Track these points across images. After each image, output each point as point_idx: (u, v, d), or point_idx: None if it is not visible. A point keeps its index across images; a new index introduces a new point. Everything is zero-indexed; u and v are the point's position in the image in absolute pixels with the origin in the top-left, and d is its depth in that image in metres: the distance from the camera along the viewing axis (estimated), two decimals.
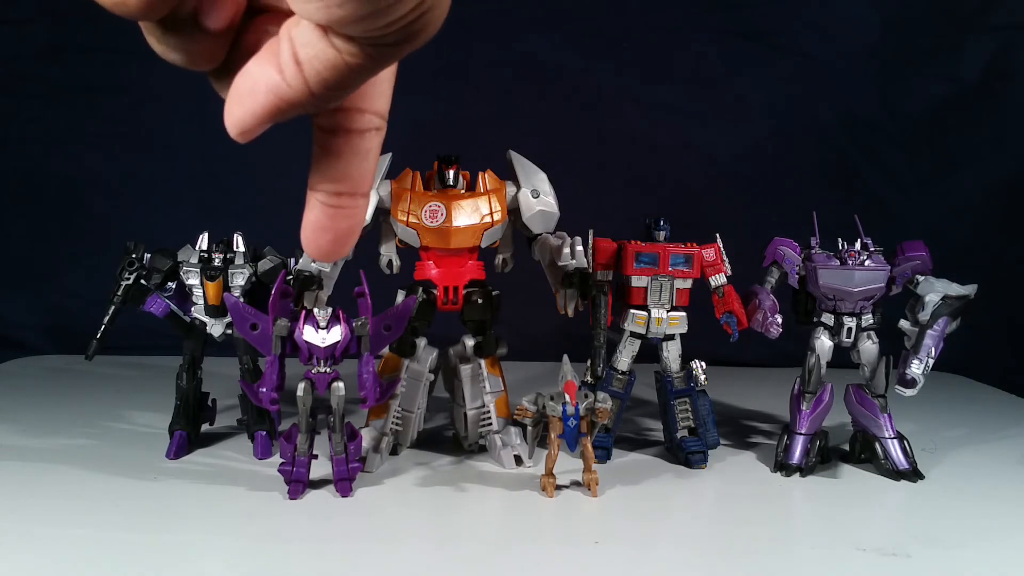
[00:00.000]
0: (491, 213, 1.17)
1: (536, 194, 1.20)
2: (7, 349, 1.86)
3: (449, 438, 1.29)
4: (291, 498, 1.02)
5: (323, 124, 0.31)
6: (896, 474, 1.14)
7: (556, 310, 1.13)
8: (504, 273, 1.26)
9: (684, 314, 1.20)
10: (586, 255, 1.14)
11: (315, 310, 1.02)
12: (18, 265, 1.89)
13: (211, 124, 1.69)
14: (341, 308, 1.04)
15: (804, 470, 1.16)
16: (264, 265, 1.20)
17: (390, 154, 1.20)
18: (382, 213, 1.19)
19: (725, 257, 1.20)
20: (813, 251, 1.20)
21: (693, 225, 1.24)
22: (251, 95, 0.30)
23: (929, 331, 1.12)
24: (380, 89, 0.31)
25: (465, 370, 1.21)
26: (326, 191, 0.32)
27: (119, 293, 1.18)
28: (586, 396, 1.04)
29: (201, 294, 1.18)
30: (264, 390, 1.02)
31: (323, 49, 0.27)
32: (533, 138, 1.34)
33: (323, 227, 0.32)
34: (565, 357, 1.07)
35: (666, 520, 1.04)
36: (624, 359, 1.21)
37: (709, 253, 1.20)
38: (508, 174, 1.22)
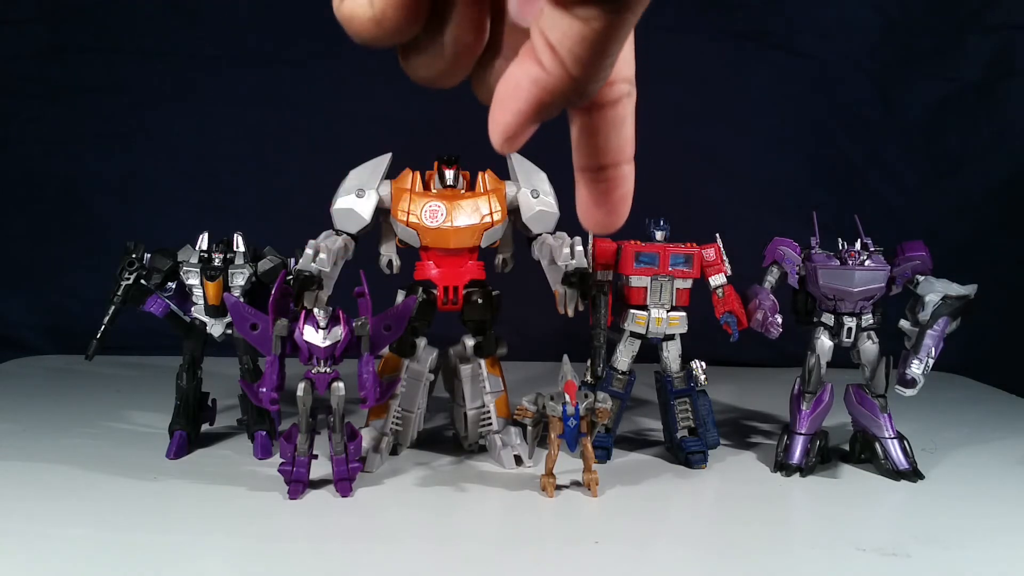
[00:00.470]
0: (491, 213, 1.17)
1: (536, 194, 1.20)
2: (7, 349, 1.86)
3: (449, 438, 1.29)
4: (291, 498, 1.02)
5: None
6: (896, 474, 1.14)
7: (556, 310, 1.13)
8: (504, 273, 1.26)
9: (684, 314, 1.20)
10: (586, 255, 1.14)
11: (315, 310, 1.02)
12: (18, 265, 1.89)
13: (211, 124, 1.71)
14: (341, 308, 1.04)
15: (804, 470, 1.16)
16: (264, 265, 1.20)
17: (390, 154, 1.20)
18: (382, 213, 1.19)
19: (725, 257, 1.20)
20: (813, 251, 1.20)
21: (693, 225, 1.23)
22: (514, 94, 0.30)
23: (929, 331, 1.12)
24: (623, 55, 0.31)
25: (465, 370, 1.21)
26: (590, 167, 0.32)
27: (119, 293, 1.18)
28: (586, 396, 1.04)
29: (201, 294, 1.18)
30: (264, 390, 1.02)
31: (568, 24, 0.27)
32: (533, 138, 1.34)
33: (595, 202, 0.33)
34: (565, 357, 1.07)
35: (666, 520, 1.04)
36: (624, 359, 1.21)
37: (709, 253, 1.20)
38: (508, 174, 1.22)
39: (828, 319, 1.19)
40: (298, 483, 1.04)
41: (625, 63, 0.31)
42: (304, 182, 1.56)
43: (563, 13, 0.27)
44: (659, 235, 1.20)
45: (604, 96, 0.31)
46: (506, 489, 1.09)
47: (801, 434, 1.17)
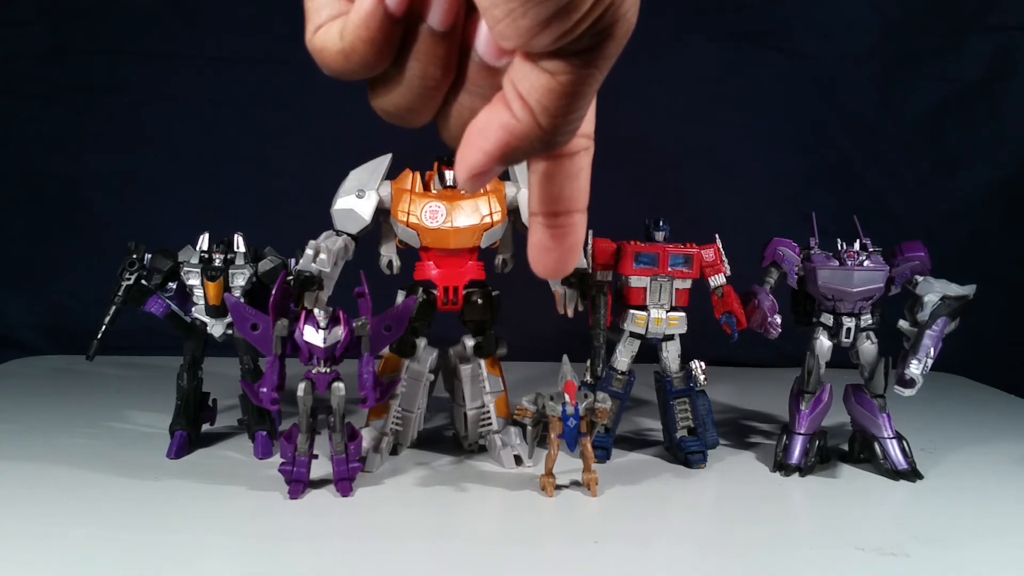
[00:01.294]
0: (491, 213, 1.17)
1: None
2: (7, 349, 1.86)
3: (449, 438, 1.30)
4: (291, 498, 1.03)
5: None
6: (895, 474, 1.15)
7: (556, 310, 1.13)
8: (504, 273, 1.26)
9: (683, 314, 1.20)
10: (586, 255, 1.14)
11: (315, 310, 1.02)
12: (18, 265, 1.89)
13: (211, 124, 1.70)
14: (341, 308, 1.05)
15: (803, 470, 1.16)
16: (264, 265, 1.20)
17: (390, 155, 1.20)
18: (382, 213, 1.19)
19: (724, 257, 1.20)
20: (812, 251, 1.20)
21: (693, 225, 1.24)
22: (482, 135, 0.31)
23: (928, 331, 1.12)
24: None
25: (465, 370, 1.22)
26: (544, 213, 0.33)
27: (120, 293, 1.18)
28: (586, 396, 1.04)
29: (202, 294, 1.18)
30: (264, 390, 1.02)
31: (536, 76, 0.28)
32: None
33: (547, 247, 0.34)
34: (565, 357, 1.07)
35: (665, 520, 1.04)
36: (623, 359, 1.21)
37: (708, 253, 1.20)
38: (508, 174, 1.23)
39: (827, 319, 1.19)
40: (298, 483, 1.04)
41: (586, 120, 0.32)
42: (304, 182, 1.57)
43: (532, 65, 0.28)
44: (659, 235, 1.20)
45: (563, 148, 0.32)
46: (506, 489, 1.09)
47: (800, 434, 1.18)
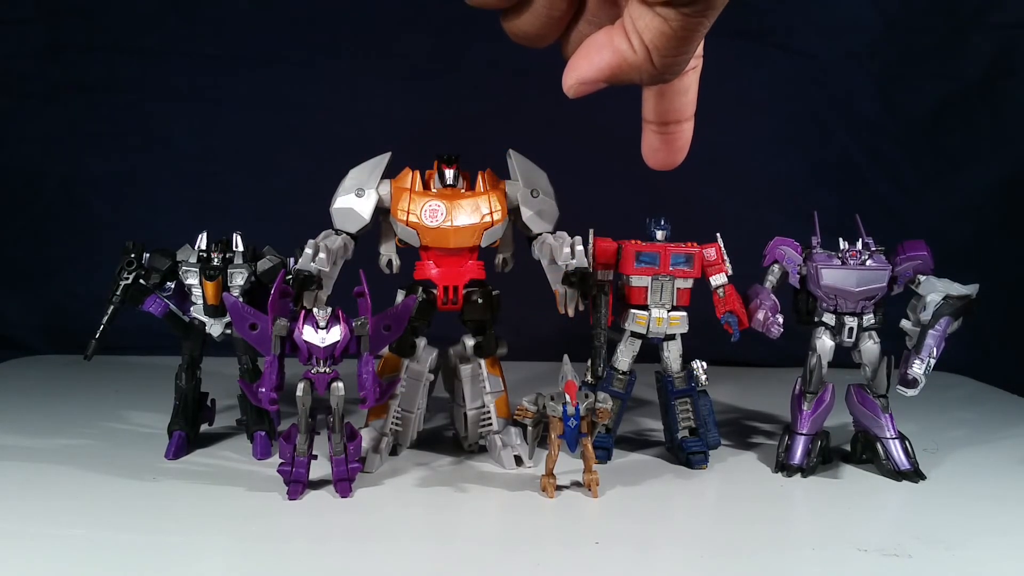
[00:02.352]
0: (491, 213, 1.17)
1: (536, 193, 1.20)
2: (6, 349, 1.85)
3: (449, 438, 1.29)
4: (290, 498, 1.02)
5: None
6: (897, 474, 1.14)
7: (556, 310, 1.13)
8: (504, 273, 1.26)
9: (685, 314, 1.19)
10: (586, 255, 1.13)
11: (314, 310, 1.01)
12: (15, 264, 1.89)
13: (210, 123, 1.70)
14: (341, 308, 1.04)
15: (805, 470, 1.15)
16: (263, 265, 1.20)
17: (389, 153, 1.20)
18: (382, 212, 1.19)
19: (726, 256, 1.19)
20: (814, 251, 1.19)
21: (694, 224, 1.23)
22: (598, 51, 0.34)
23: (931, 331, 1.12)
24: None
25: (465, 370, 1.21)
26: (656, 122, 0.38)
27: (118, 293, 1.17)
28: (586, 396, 1.04)
29: (200, 294, 1.18)
30: (263, 390, 1.02)
31: (651, 18, 0.32)
32: (533, 138, 1.34)
33: (656, 149, 0.39)
34: (565, 357, 1.06)
35: (667, 520, 1.03)
36: (624, 359, 1.20)
37: (710, 252, 1.19)
38: (508, 173, 1.22)
39: (829, 319, 1.18)
40: (297, 483, 1.03)
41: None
42: (304, 182, 1.56)
43: (648, 8, 0.31)
44: (660, 235, 1.19)
45: None
46: (506, 489, 1.09)
47: (802, 434, 1.17)
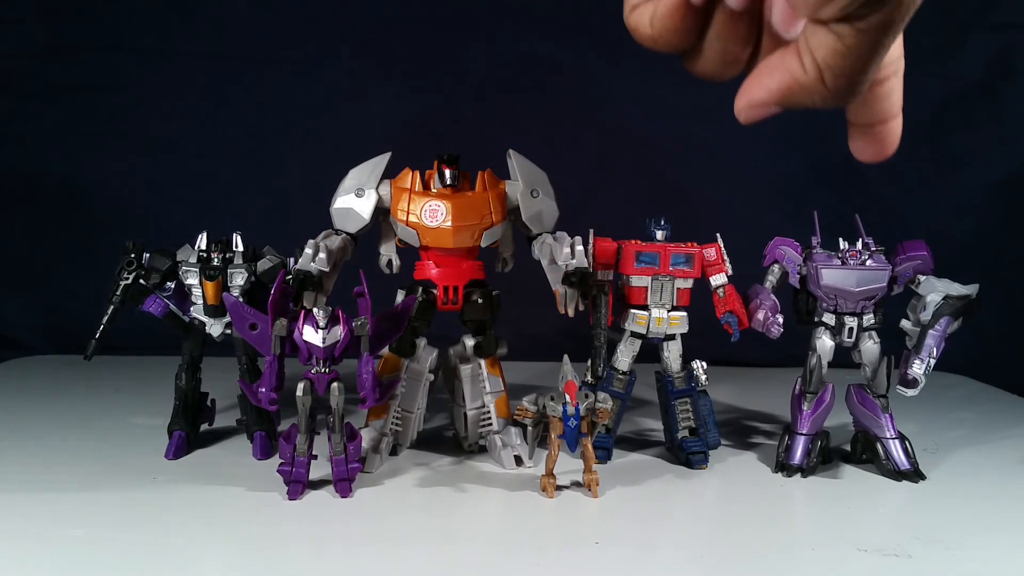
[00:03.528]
0: (491, 213, 1.17)
1: (536, 193, 1.20)
2: (5, 349, 1.85)
3: (449, 438, 1.29)
4: (290, 499, 1.02)
5: None
6: (897, 474, 1.14)
7: (556, 310, 1.13)
8: (504, 273, 1.26)
9: (685, 314, 1.19)
10: (586, 255, 1.13)
11: (314, 310, 1.01)
12: (17, 265, 1.89)
13: (210, 123, 1.69)
14: (341, 308, 1.04)
15: (805, 470, 1.15)
16: (263, 265, 1.20)
17: (389, 153, 1.20)
18: (382, 212, 1.19)
19: (726, 256, 1.19)
20: (814, 251, 1.19)
21: (693, 225, 1.23)
22: (770, 74, 0.33)
23: (931, 331, 1.12)
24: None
25: (465, 370, 1.21)
26: (860, 124, 0.37)
27: (118, 293, 1.17)
28: (586, 396, 1.04)
29: (200, 294, 1.18)
30: (263, 390, 1.02)
31: (824, 36, 0.30)
32: (533, 138, 1.34)
33: (864, 146, 0.38)
34: (565, 357, 1.06)
35: (667, 521, 1.03)
36: (624, 359, 1.20)
37: (710, 252, 1.19)
38: (508, 173, 1.22)
39: (829, 319, 1.18)
40: (297, 483, 1.03)
41: (894, 47, 0.34)
42: (303, 181, 1.56)
43: (822, 26, 0.30)
44: (660, 235, 1.19)
45: (874, 78, 0.35)
46: (506, 490, 1.09)
47: (802, 434, 1.17)
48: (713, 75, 0.36)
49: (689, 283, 1.19)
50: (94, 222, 1.87)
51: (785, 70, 0.33)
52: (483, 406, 1.21)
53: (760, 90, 0.34)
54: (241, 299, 1.10)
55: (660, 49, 0.35)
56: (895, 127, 0.37)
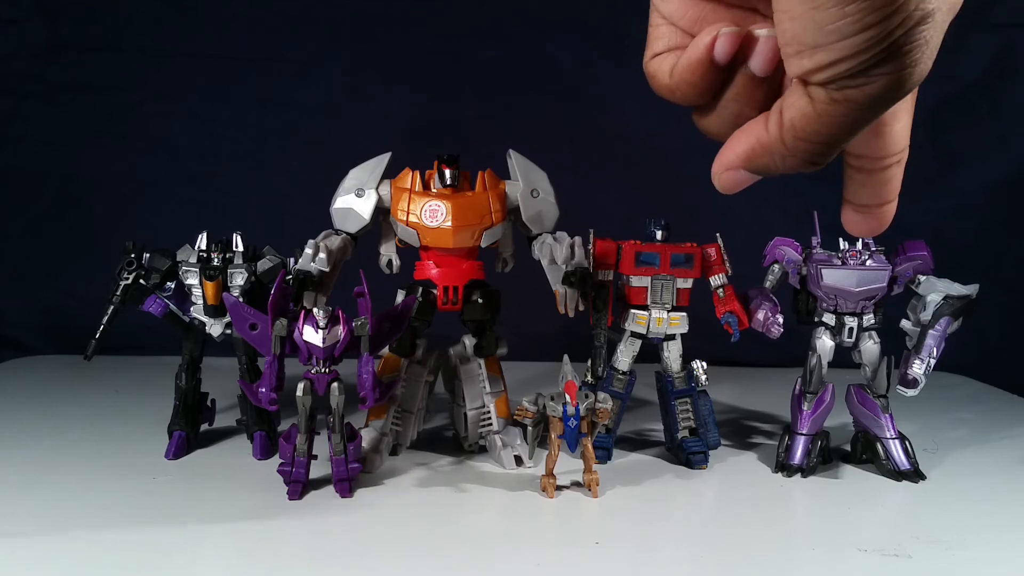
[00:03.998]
0: (491, 212, 1.17)
1: (536, 193, 1.20)
2: (6, 349, 1.85)
3: (449, 438, 1.29)
4: (290, 499, 1.02)
5: (850, 162, 0.36)
6: (897, 475, 1.14)
7: (556, 310, 1.13)
8: (504, 273, 1.26)
9: (685, 314, 1.19)
10: (586, 255, 1.13)
11: (314, 310, 1.01)
12: (16, 265, 1.89)
13: (209, 123, 1.69)
14: (341, 308, 1.04)
15: (805, 471, 1.15)
16: (263, 265, 1.20)
17: (389, 153, 1.20)
18: (382, 212, 1.18)
19: (726, 256, 1.19)
20: (814, 251, 1.19)
21: (694, 224, 1.23)
22: (737, 139, 0.34)
23: (931, 331, 1.12)
24: (894, 136, 0.35)
25: (465, 370, 1.21)
26: (856, 203, 0.38)
27: (118, 293, 1.17)
28: (586, 396, 1.04)
29: (200, 294, 1.18)
30: (263, 390, 1.02)
31: (798, 98, 0.31)
32: (533, 138, 1.34)
33: (855, 222, 0.39)
34: (565, 357, 1.06)
35: (667, 521, 1.03)
36: (624, 359, 1.20)
37: (710, 252, 1.19)
38: (508, 173, 1.22)
39: (829, 319, 1.18)
40: (297, 484, 1.03)
41: (895, 140, 0.35)
42: (303, 181, 1.56)
43: (800, 88, 0.30)
44: (660, 235, 1.19)
45: (873, 165, 0.36)
46: (506, 490, 1.09)
47: (802, 434, 1.17)
48: (721, 135, 0.36)
49: (689, 283, 1.19)
50: (95, 222, 1.87)
51: (752, 133, 0.33)
52: (483, 406, 1.21)
53: (729, 154, 0.34)
54: (241, 299, 1.10)
55: (676, 101, 0.35)
56: (891, 209, 0.38)
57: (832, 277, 1.16)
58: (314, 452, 1.06)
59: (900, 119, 0.35)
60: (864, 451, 1.20)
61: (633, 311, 1.19)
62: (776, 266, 1.22)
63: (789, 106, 0.31)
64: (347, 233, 1.17)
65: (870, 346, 1.18)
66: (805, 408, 1.18)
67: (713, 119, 0.36)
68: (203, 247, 1.18)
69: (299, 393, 1.02)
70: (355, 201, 1.17)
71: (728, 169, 0.35)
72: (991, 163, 1.90)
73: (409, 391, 1.19)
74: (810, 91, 0.30)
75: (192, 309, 1.20)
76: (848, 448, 1.23)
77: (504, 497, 1.07)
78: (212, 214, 1.45)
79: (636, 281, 1.18)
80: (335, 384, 1.02)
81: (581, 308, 1.11)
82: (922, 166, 1.91)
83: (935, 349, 1.11)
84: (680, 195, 1.88)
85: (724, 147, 0.35)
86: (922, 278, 1.17)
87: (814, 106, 0.30)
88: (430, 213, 1.15)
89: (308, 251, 1.09)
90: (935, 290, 1.14)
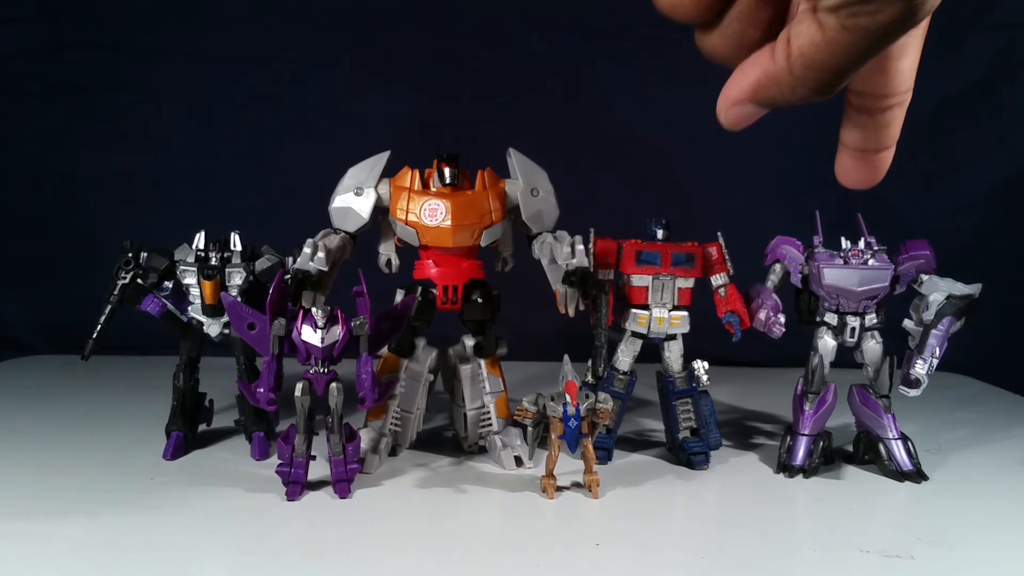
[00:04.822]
0: (490, 212, 1.16)
1: (536, 192, 1.19)
2: (5, 349, 1.85)
3: (449, 439, 1.29)
4: (289, 499, 1.02)
5: (851, 100, 0.36)
6: (900, 475, 1.13)
7: (556, 310, 1.12)
8: (504, 273, 1.25)
9: (686, 314, 1.19)
10: (587, 255, 1.13)
11: (313, 309, 1.01)
12: (16, 265, 1.89)
13: (208, 122, 1.69)
14: (339, 308, 1.03)
15: (807, 471, 1.15)
16: (262, 264, 1.19)
17: (388, 152, 1.19)
18: (381, 212, 1.18)
19: (727, 256, 1.19)
20: (816, 250, 1.19)
21: (695, 224, 1.23)
22: (743, 72, 0.33)
23: (933, 331, 1.11)
24: (903, 67, 0.34)
25: (465, 370, 1.20)
26: (853, 147, 0.37)
27: (115, 293, 1.17)
28: (587, 396, 1.03)
29: (198, 293, 1.17)
30: (261, 390, 1.01)
31: (808, 25, 0.30)
32: (533, 137, 1.33)
33: (850, 169, 0.38)
34: (566, 357, 1.06)
35: (668, 521, 1.03)
36: (625, 359, 1.20)
37: (711, 252, 1.19)
38: (508, 172, 1.22)
39: (831, 319, 1.18)
40: (296, 484, 1.03)
41: (900, 79, 0.35)
42: (302, 180, 1.56)
43: (811, 16, 0.29)
44: (660, 234, 1.19)
45: (875, 103, 0.35)
46: (506, 490, 1.08)
47: (804, 435, 1.16)
48: (723, 56, 0.35)
49: (690, 282, 1.18)
50: (93, 222, 1.86)
51: (758, 64, 0.32)
52: (483, 406, 1.21)
53: (735, 88, 0.34)
54: (239, 299, 1.09)
55: (676, 17, 0.34)
56: (887, 156, 0.37)
57: (834, 276, 1.15)
58: (313, 453, 1.06)
59: (908, 55, 0.34)
60: (866, 452, 1.19)
61: (634, 311, 1.18)
62: (778, 265, 1.21)
63: (798, 34, 0.30)
64: (346, 232, 1.17)
65: (872, 346, 1.17)
66: (807, 408, 1.18)
67: (715, 38, 0.35)
68: (201, 246, 1.18)
69: (297, 393, 1.02)
70: (354, 200, 1.17)
71: (735, 104, 0.34)
72: (992, 162, 1.89)
73: (408, 391, 1.19)
74: (820, 18, 0.29)
75: (190, 309, 1.19)
76: (850, 449, 1.23)
77: (504, 498, 1.06)
78: (210, 213, 1.44)
79: (637, 280, 1.17)
80: (334, 384, 1.02)
81: (581, 308, 1.11)
82: (924, 165, 1.91)
83: (938, 349, 1.10)
84: (680, 194, 1.87)
85: (729, 81, 0.34)
86: (924, 277, 1.16)
87: (824, 33, 0.29)
88: (429, 212, 1.14)
89: (307, 250, 1.08)
90: (938, 289, 1.13)
